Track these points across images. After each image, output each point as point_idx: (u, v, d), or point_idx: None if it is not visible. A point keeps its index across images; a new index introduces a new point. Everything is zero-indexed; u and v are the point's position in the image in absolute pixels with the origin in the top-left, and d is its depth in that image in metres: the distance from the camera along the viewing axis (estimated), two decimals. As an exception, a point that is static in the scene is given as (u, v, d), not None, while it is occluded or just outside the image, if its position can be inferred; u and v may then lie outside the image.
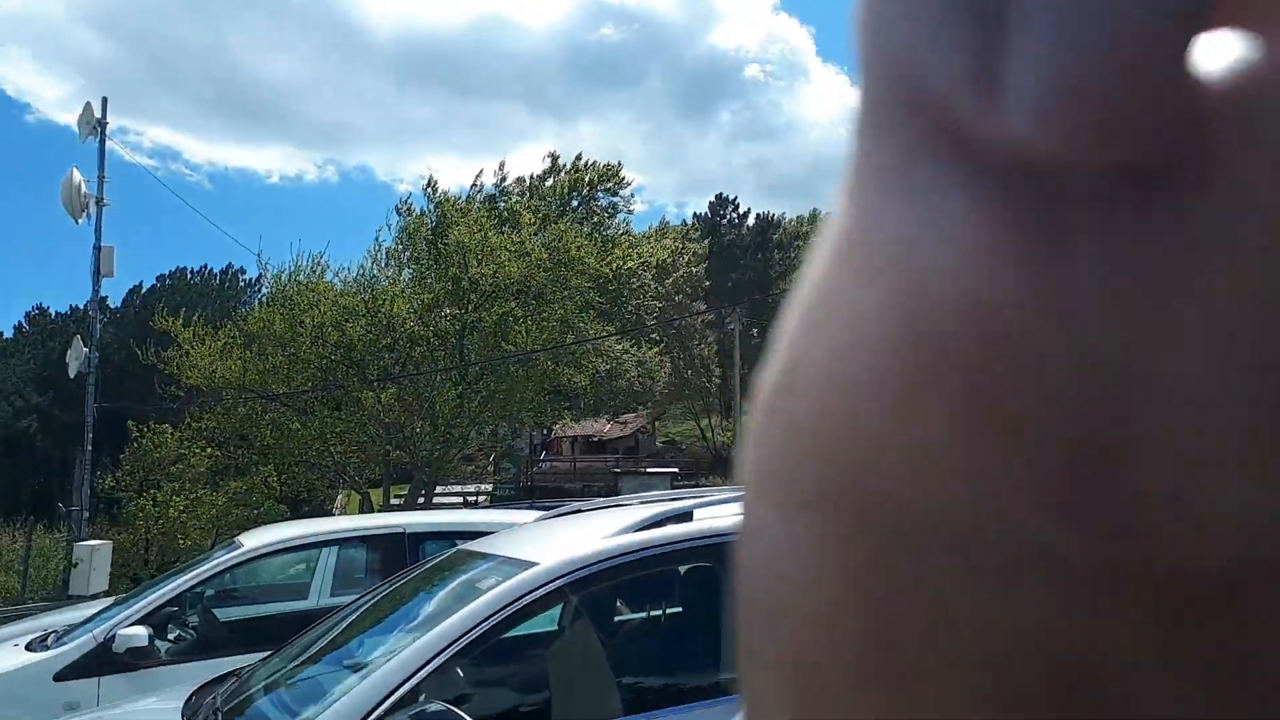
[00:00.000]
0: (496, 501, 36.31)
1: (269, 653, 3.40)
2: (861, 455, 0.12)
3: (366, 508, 23.44)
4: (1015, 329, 0.11)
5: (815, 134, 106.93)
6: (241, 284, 48.42)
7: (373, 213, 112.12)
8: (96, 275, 15.82)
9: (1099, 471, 0.11)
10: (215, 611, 4.95)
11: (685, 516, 2.81)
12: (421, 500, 22.55)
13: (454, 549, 3.56)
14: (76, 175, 15.04)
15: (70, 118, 16.36)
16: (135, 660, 4.21)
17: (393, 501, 23.21)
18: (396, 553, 4.80)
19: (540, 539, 3.24)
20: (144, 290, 46.43)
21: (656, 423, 50.33)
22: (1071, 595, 0.11)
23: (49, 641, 4.49)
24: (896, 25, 0.12)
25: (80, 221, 15.04)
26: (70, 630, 4.64)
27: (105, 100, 16.07)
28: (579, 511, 3.84)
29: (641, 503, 4.04)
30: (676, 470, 40.11)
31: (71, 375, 15.67)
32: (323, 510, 29.32)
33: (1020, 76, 0.11)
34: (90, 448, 15.11)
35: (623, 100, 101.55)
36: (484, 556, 3.12)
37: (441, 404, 21.10)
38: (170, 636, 4.68)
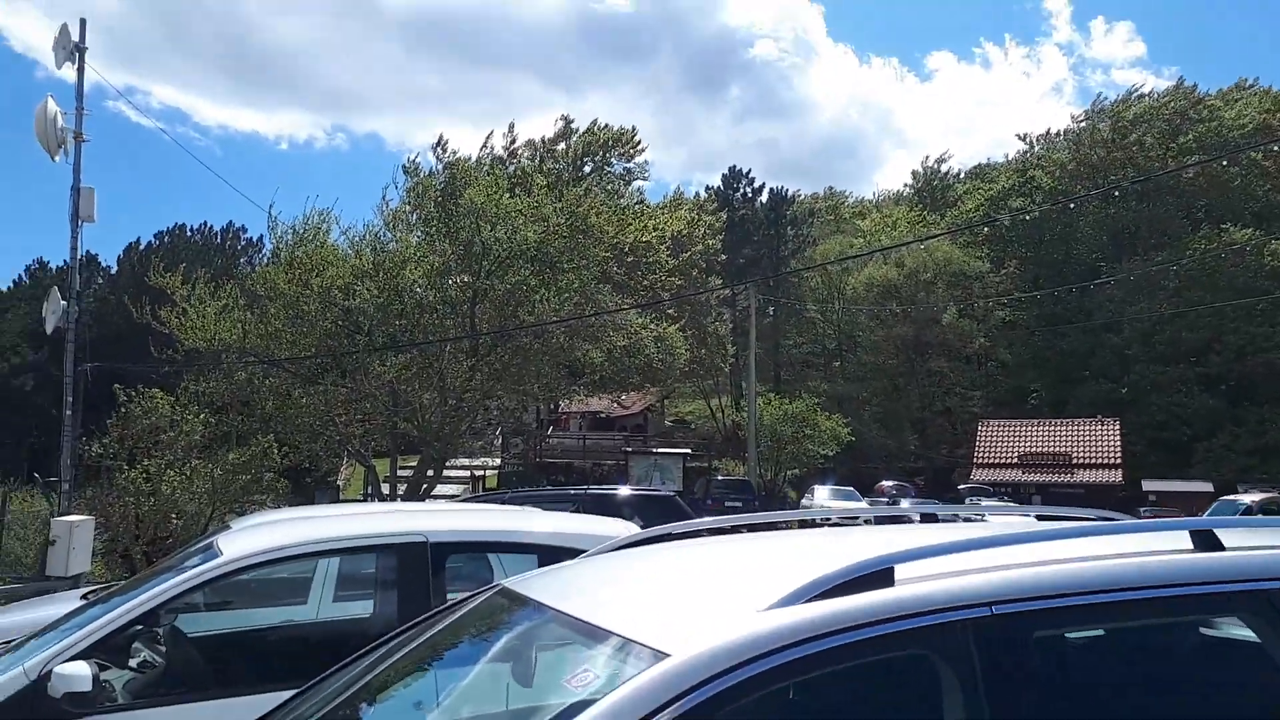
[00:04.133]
0: (506, 480, 35.35)
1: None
2: None
3: (372, 480, 22.44)
4: None
5: (825, 114, 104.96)
6: (243, 243, 47.23)
7: (382, 182, 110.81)
8: (75, 219, 13.95)
9: None
10: (186, 634, 3.98)
11: (883, 577, 1.80)
12: (431, 474, 21.55)
13: (496, 588, 2.57)
14: (51, 105, 13.16)
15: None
16: (76, 709, 3.20)
17: (400, 473, 22.20)
18: (416, 567, 3.81)
19: (636, 591, 2.24)
20: (141, 247, 45.22)
21: (665, 401, 49.26)
22: None
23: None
24: None
25: (57, 159, 13.19)
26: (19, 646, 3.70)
27: (84, 22, 14.33)
28: (679, 535, 2.85)
29: (779, 525, 3.06)
30: (688, 451, 39.19)
31: (49, 331, 14.12)
32: (326, 483, 28.34)
33: None
34: (70, 411, 13.59)
35: (632, 74, 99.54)
36: (546, 611, 2.14)
37: (452, 375, 20.00)
38: (133, 664, 3.72)
